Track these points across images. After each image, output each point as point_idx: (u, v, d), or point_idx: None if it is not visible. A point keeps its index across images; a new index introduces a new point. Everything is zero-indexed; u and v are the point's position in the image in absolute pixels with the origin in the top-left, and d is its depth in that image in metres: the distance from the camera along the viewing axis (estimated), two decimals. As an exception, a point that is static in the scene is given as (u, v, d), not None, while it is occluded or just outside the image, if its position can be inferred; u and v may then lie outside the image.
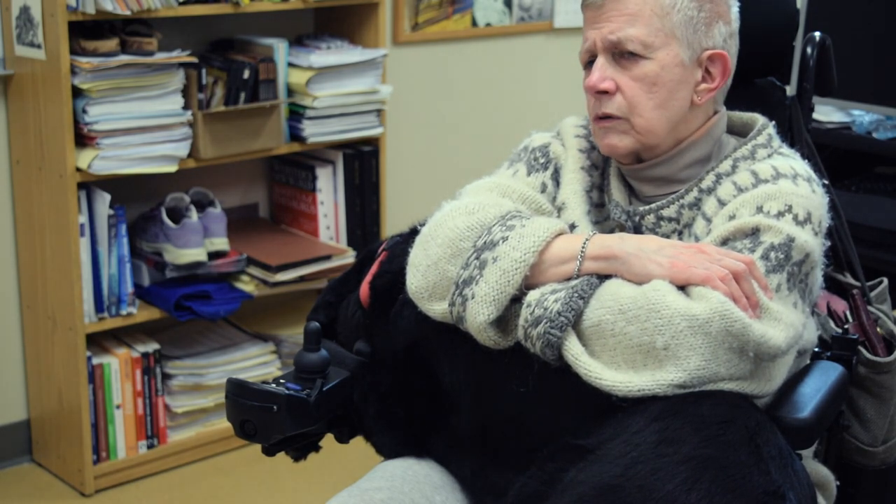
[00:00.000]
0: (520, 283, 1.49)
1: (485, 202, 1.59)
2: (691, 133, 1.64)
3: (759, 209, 1.52)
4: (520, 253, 1.49)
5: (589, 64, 1.64)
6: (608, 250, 1.48)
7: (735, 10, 1.67)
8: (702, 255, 1.45)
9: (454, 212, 1.58)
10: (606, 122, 1.61)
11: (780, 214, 1.52)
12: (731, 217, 1.54)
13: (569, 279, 1.50)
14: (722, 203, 1.57)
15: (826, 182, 1.66)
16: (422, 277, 1.56)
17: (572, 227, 1.63)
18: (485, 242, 1.51)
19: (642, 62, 1.58)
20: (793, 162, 1.61)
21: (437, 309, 1.55)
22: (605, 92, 1.60)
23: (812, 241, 1.52)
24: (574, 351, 1.43)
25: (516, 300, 1.52)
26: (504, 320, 1.52)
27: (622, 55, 1.59)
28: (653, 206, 1.62)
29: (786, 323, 1.46)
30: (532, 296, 1.48)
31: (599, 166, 1.71)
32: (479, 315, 1.49)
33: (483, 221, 1.54)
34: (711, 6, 1.62)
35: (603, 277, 1.48)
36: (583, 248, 1.49)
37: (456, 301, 1.51)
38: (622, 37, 1.58)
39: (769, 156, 1.63)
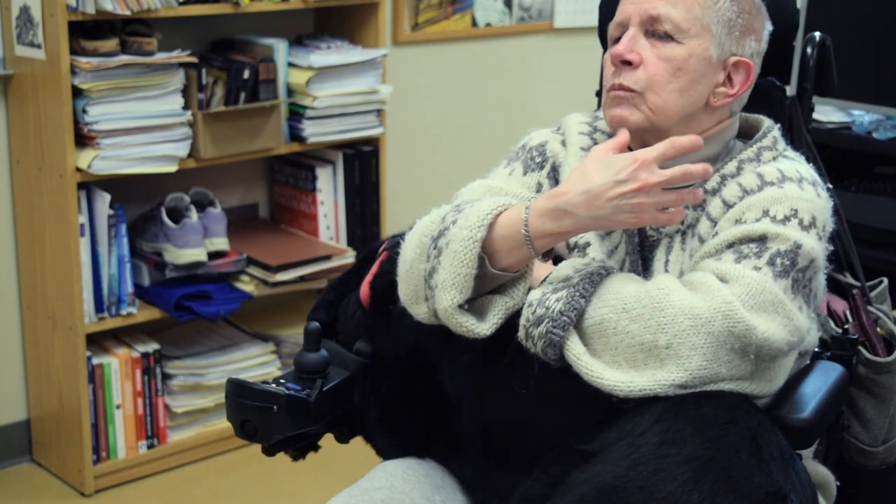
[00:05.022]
0: (474, 260, 1.47)
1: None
2: (701, 132, 1.63)
3: (766, 213, 1.52)
4: (467, 231, 1.47)
5: (617, 41, 1.63)
6: (558, 228, 1.46)
7: (766, 33, 1.67)
8: (654, 191, 1.43)
9: (427, 217, 1.58)
10: (620, 91, 1.60)
11: (786, 219, 1.52)
12: (738, 221, 1.53)
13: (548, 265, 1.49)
14: (727, 204, 1.57)
15: (830, 186, 1.66)
16: (405, 284, 1.57)
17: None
18: (439, 231, 1.51)
19: (672, 44, 1.58)
20: (798, 165, 1.61)
21: (422, 311, 1.55)
22: (629, 63, 1.59)
23: (817, 247, 1.53)
24: (576, 351, 1.43)
25: (495, 290, 1.51)
26: (480, 309, 1.51)
27: (654, 34, 1.59)
28: None
29: (793, 325, 1.46)
30: (533, 295, 1.47)
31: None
32: (443, 301, 1.48)
33: (442, 213, 1.55)
34: (749, 17, 1.62)
35: (604, 275, 1.48)
36: (525, 228, 1.46)
37: (427, 295, 1.51)
38: (662, 14, 1.57)
39: (774, 158, 1.63)
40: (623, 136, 1.53)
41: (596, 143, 1.71)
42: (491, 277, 1.51)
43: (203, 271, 3.04)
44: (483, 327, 1.49)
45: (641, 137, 1.64)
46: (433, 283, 1.49)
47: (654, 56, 1.58)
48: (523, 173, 1.70)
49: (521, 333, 1.47)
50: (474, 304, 1.51)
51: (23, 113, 2.89)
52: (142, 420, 3.04)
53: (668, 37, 1.58)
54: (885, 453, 1.87)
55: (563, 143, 1.73)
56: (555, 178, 1.69)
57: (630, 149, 1.66)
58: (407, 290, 1.56)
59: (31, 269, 2.98)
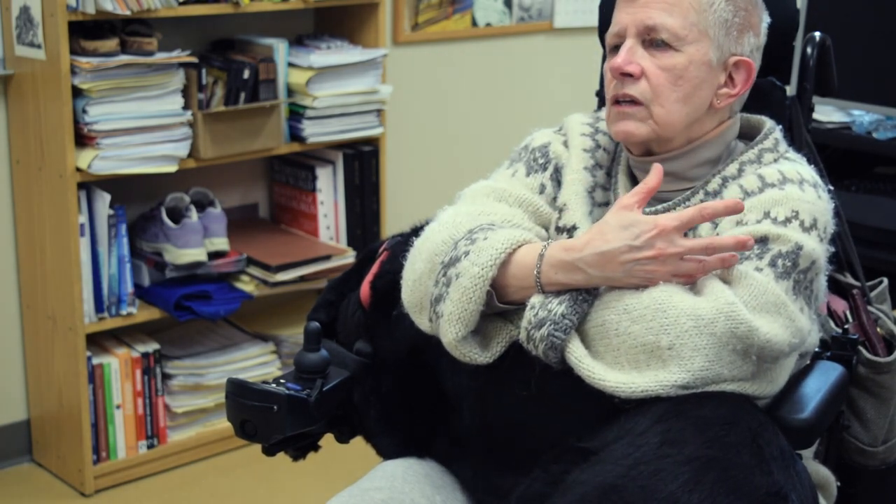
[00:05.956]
0: (482, 297, 1.47)
1: (473, 211, 1.59)
2: (704, 134, 1.63)
3: (767, 214, 1.52)
4: (478, 268, 1.47)
5: (615, 49, 1.62)
6: (569, 281, 1.46)
7: (765, 25, 1.67)
8: (671, 260, 1.43)
9: (440, 225, 1.58)
10: (626, 106, 1.59)
11: (787, 221, 1.51)
12: (739, 222, 1.53)
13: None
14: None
15: (831, 188, 1.66)
16: (410, 293, 1.57)
17: (573, 228, 1.62)
18: (450, 258, 1.50)
19: (671, 53, 1.57)
20: (799, 167, 1.61)
21: (425, 323, 1.55)
22: (630, 75, 1.58)
23: (818, 248, 1.52)
24: (577, 353, 1.43)
25: (500, 313, 1.52)
26: (484, 333, 1.51)
27: (652, 43, 1.58)
28: (658, 207, 1.61)
29: (795, 326, 1.46)
30: (535, 298, 1.47)
31: (604, 165, 1.70)
32: (447, 334, 1.48)
33: (455, 236, 1.54)
34: (746, 14, 1.62)
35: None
36: (537, 274, 1.47)
37: (432, 318, 1.52)
38: (658, 23, 1.57)
39: (775, 160, 1.63)
40: (654, 179, 1.49)
41: (598, 144, 1.71)
42: (495, 307, 1.51)
43: (203, 271, 3.04)
44: (485, 356, 1.50)
45: (646, 147, 1.64)
46: (439, 311, 1.49)
47: (653, 66, 1.58)
48: (526, 174, 1.70)
49: (522, 336, 1.47)
50: (478, 327, 1.51)
51: (23, 113, 2.89)
52: (142, 420, 3.04)
53: (665, 45, 1.58)
54: (885, 453, 1.87)
55: (566, 143, 1.72)
56: (557, 180, 1.69)
57: (631, 152, 1.67)
58: (412, 299, 1.56)
59: (31, 269, 2.98)
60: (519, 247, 1.50)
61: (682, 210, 1.49)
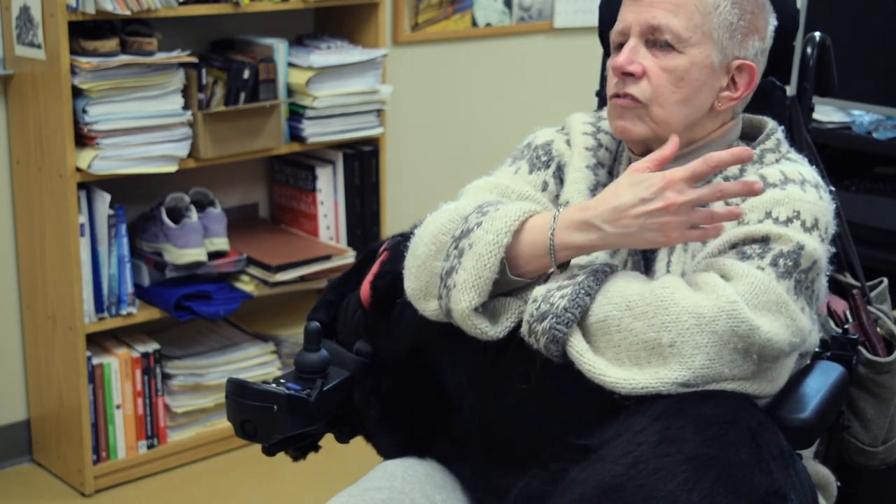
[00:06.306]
0: (497, 265, 1.47)
1: (474, 203, 1.59)
2: (706, 135, 1.64)
3: (768, 214, 1.52)
4: (493, 235, 1.48)
5: (619, 47, 1.63)
6: (584, 242, 1.47)
7: (771, 29, 1.67)
8: (684, 208, 1.44)
9: (440, 212, 1.58)
10: (624, 100, 1.60)
11: (788, 221, 1.52)
12: (740, 222, 1.53)
13: (568, 273, 1.49)
14: (729, 206, 1.57)
15: (832, 189, 1.66)
16: (414, 279, 1.57)
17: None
18: (462, 231, 1.51)
19: (673, 54, 1.58)
20: (800, 167, 1.62)
21: (431, 308, 1.55)
22: (631, 75, 1.59)
23: (819, 248, 1.53)
24: (578, 348, 1.43)
25: (508, 293, 1.52)
26: (493, 311, 1.51)
27: (655, 43, 1.58)
28: None
29: (796, 326, 1.46)
30: (538, 291, 1.47)
31: (606, 164, 1.70)
32: (460, 302, 1.48)
33: (462, 213, 1.54)
34: (751, 18, 1.62)
35: (609, 273, 1.48)
36: (551, 238, 1.48)
37: (442, 294, 1.51)
38: (663, 24, 1.57)
39: (777, 160, 1.63)
40: (669, 148, 1.50)
41: (599, 143, 1.71)
42: (505, 283, 1.51)
43: (203, 271, 3.04)
44: (496, 330, 1.50)
45: (646, 145, 1.64)
46: (451, 283, 1.49)
47: (655, 66, 1.58)
48: (529, 172, 1.70)
49: (524, 329, 1.47)
50: (487, 305, 1.51)
51: (23, 113, 2.89)
52: (142, 420, 3.04)
53: (668, 46, 1.58)
54: (885, 453, 1.87)
55: (568, 142, 1.73)
56: (560, 178, 1.70)
57: (633, 151, 1.67)
58: (416, 285, 1.56)
59: (31, 269, 2.98)
60: (531, 216, 1.51)
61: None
